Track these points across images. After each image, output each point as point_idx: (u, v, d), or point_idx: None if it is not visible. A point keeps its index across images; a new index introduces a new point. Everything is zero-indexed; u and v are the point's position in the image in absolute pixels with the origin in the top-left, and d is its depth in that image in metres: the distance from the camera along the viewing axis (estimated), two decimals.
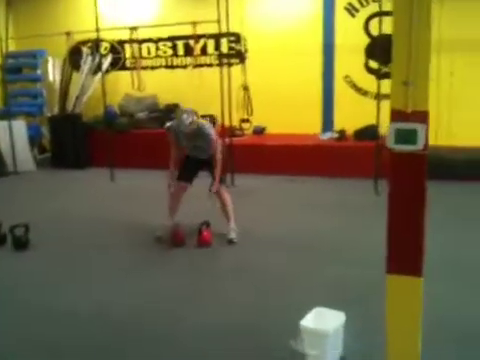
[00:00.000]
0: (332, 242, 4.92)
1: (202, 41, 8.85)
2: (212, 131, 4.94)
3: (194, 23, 8.01)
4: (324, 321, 2.68)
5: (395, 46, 2.10)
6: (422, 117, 2.05)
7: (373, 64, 7.84)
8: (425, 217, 2.13)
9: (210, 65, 8.89)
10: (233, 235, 4.96)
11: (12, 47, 9.92)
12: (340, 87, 8.27)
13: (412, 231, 2.14)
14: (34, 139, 9.56)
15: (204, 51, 8.93)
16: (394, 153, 2.13)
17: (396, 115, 2.10)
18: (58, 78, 9.43)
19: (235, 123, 8.05)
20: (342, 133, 7.81)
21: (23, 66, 10.03)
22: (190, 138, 4.90)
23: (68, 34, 8.80)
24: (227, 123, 7.38)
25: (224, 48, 7.87)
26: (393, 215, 2.18)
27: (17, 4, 9.93)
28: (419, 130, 2.05)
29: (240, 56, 8.47)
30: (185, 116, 4.74)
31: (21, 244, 4.91)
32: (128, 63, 9.51)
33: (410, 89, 2.06)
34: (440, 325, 3.10)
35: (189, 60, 9.06)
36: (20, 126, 8.95)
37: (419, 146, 2.06)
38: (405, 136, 2.09)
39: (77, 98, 9.12)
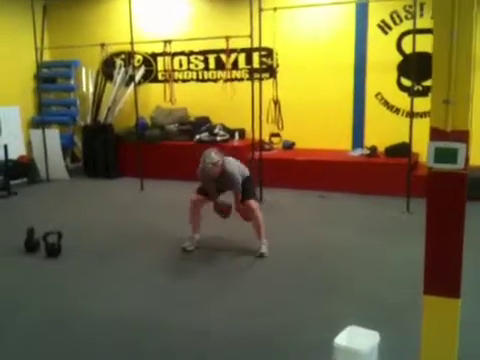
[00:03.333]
0: (362, 259, 4.88)
1: (234, 55, 8.90)
2: (239, 181, 4.88)
3: (227, 37, 8.07)
4: (358, 340, 2.65)
5: (435, 64, 2.07)
6: (463, 136, 2.04)
7: (406, 82, 7.79)
8: (463, 238, 2.11)
9: (241, 79, 8.94)
10: (264, 249, 4.95)
11: (47, 57, 10.12)
12: (371, 104, 8.22)
13: (450, 252, 2.11)
14: (66, 148, 9.72)
15: (235, 65, 8.98)
16: (433, 172, 2.11)
17: (436, 134, 2.08)
18: (91, 89, 9.59)
19: (265, 137, 8.07)
20: (373, 150, 7.75)
21: (57, 76, 10.22)
22: (215, 181, 4.88)
23: (102, 45, 8.94)
24: (257, 137, 7.39)
25: (255, 63, 7.89)
26: (431, 235, 2.15)
27: (53, 14, 10.15)
28: (459, 149, 2.03)
29: (271, 71, 8.50)
30: (213, 154, 4.65)
31: (54, 251, 4.98)
32: (160, 76, 9.62)
33: (450, 108, 2.04)
34: (471, 345, 3.04)
35: (220, 74, 9.13)
36: (53, 135, 9.10)
37: (459, 165, 2.04)
38: (445, 155, 2.06)
39: (109, 109, 9.26)
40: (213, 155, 4.66)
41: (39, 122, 9.25)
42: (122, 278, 4.55)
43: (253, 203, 5.00)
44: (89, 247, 5.37)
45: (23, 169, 8.61)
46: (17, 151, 8.76)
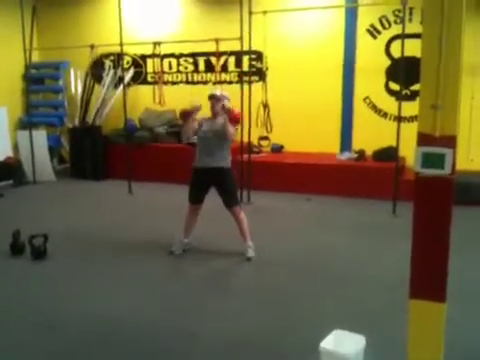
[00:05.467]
0: (349, 263, 4.88)
1: (223, 58, 8.90)
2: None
3: (217, 40, 8.07)
4: (344, 344, 2.65)
5: (424, 68, 2.06)
6: (450, 142, 2.04)
7: (394, 86, 7.83)
8: (450, 242, 2.11)
9: (231, 82, 8.93)
10: (251, 253, 4.96)
11: (35, 58, 10.06)
12: (359, 108, 8.26)
13: (437, 256, 2.12)
14: (54, 150, 9.66)
15: (225, 68, 8.98)
16: (420, 177, 2.11)
17: (423, 139, 2.08)
18: (80, 90, 9.55)
19: (254, 140, 8.07)
20: (361, 153, 7.78)
21: (46, 77, 10.17)
22: (211, 124, 5.00)
23: (92, 47, 8.90)
24: (246, 140, 7.39)
25: (245, 66, 7.89)
26: (418, 239, 2.15)
27: (42, 15, 10.09)
28: (447, 154, 2.03)
29: (261, 74, 8.51)
30: (219, 90, 5.04)
31: (39, 254, 4.94)
32: (149, 77, 9.60)
33: (438, 113, 2.04)
34: (455, 349, 3.04)
35: (210, 76, 9.12)
36: (41, 136, 9.04)
37: (446, 170, 2.04)
38: (432, 160, 2.06)
39: (98, 110, 9.22)
40: (225, 92, 5.12)
41: (26, 123, 9.17)
42: (108, 281, 4.52)
43: (236, 210, 5.02)
44: (75, 250, 5.33)
45: (10, 170, 8.53)
46: (4, 152, 8.71)
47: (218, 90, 5.14)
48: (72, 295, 4.21)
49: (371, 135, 7.94)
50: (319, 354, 2.66)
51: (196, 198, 5.09)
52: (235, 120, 4.97)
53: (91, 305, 4.01)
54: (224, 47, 8.28)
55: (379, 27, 8.00)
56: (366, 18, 8.02)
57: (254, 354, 3.25)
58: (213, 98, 5.02)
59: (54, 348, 3.37)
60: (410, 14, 7.45)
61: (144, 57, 9.54)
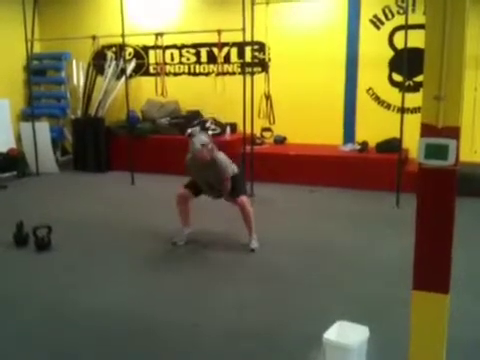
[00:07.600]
0: (352, 254, 4.89)
1: (226, 49, 8.87)
2: (228, 167, 4.86)
3: (219, 31, 8.03)
4: (348, 335, 2.66)
5: (427, 59, 2.05)
6: (454, 132, 2.03)
7: (397, 77, 7.80)
8: (453, 234, 2.11)
9: (233, 73, 8.91)
10: (255, 244, 4.97)
11: (37, 49, 10.06)
12: (362, 99, 8.23)
13: (440, 247, 2.11)
14: (56, 141, 9.66)
15: (227, 59, 8.96)
16: (423, 168, 2.11)
17: (426, 130, 2.07)
18: (82, 81, 9.52)
19: (256, 131, 8.05)
20: (364, 145, 7.77)
21: (48, 68, 10.13)
22: (203, 170, 4.85)
23: (94, 38, 8.88)
24: (248, 131, 7.38)
25: (247, 57, 7.86)
26: (421, 231, 2.15)
27: (44, 6, 10.06)
28: (450, 146, 2.02)
29: (263, 65, 8.48)
30: (202, 136, 4.73)
31: (43, 245, 4.95)
32: (151, 69, 9.57)
33: (442, 104, 2.03)
34: (457, 340, 3.05)
35: (212, 68, 9.10)
36: (43, 128, 9.02)
37: (450, 162, 2.03)
38: (435, 151, 2.06)
39: (100, 102, 9.20)
40: (203, 137, 4.72)
41: (29, 115, 9.17)
42: (112, 272, 4.53)
43: (244, 199, 4.98)
44: (79, 241, 5.35)
45: (13, 162, 8.55)
46: (7, 144, 8.72)
47: (196, 138, 4.66)
48: (75, 286, 4.23)
49: (374, 127, 7.92)
50: (322, 345, 2.67)
51: (195, 191, 5.08)
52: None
53: (94, 296, 4.03)
54: (226, 38, 8.24)
55: (382, 18, 7.95)
56: (369, 8, 7.97)
57: (257, 345, 3.26)
58: (198, 152, 4.64)
59: (56, 339, 3.39)
60: (413, 4, 7.41)
61: (146, 48, 9.52)
